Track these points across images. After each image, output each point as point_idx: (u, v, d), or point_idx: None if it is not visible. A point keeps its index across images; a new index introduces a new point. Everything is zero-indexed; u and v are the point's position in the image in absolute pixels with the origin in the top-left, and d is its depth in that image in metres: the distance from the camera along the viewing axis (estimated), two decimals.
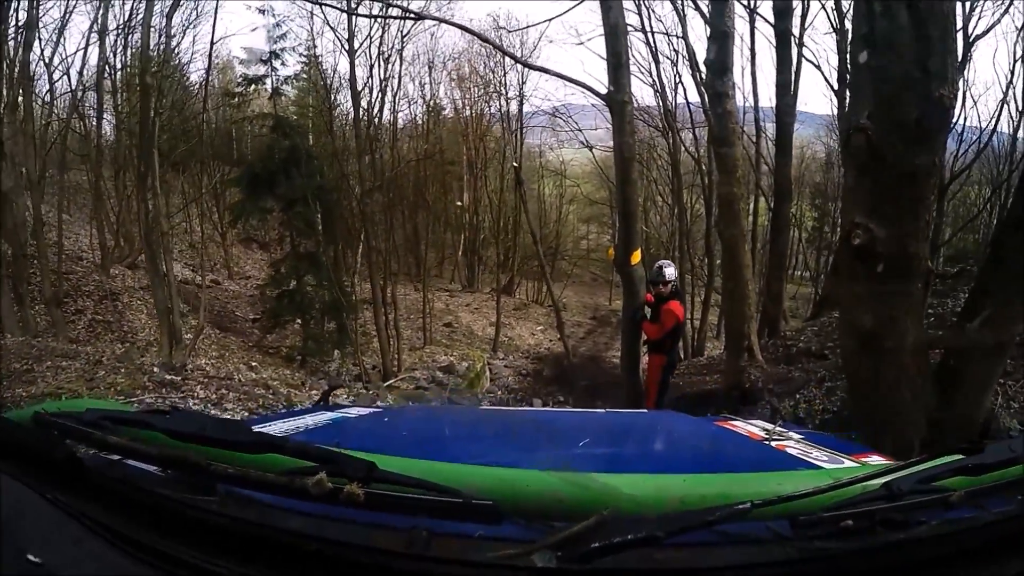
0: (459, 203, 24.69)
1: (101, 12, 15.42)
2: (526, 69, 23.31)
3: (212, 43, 15.04)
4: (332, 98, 18.23)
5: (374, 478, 0.89)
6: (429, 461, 1.04)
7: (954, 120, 13.15)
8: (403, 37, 18.33)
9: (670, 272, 6.51)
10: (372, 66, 17.18)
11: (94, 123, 17.35)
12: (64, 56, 15.30)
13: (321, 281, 14.87)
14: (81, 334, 12.57)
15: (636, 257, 6.62)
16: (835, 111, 15.46)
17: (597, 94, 6.31)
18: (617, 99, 5.99)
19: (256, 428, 1.36)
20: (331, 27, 16.28)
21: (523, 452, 1.59)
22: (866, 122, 3.32)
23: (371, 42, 16.87)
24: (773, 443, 1.67)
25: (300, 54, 17.40)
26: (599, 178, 25.58)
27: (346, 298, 15.00)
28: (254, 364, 13.73)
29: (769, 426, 1.93)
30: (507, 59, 23.50)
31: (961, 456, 1.02)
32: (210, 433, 0.98)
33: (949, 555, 0.90)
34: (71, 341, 11.74)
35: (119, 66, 16.59)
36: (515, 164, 9.42)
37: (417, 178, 22.20)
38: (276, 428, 1.68)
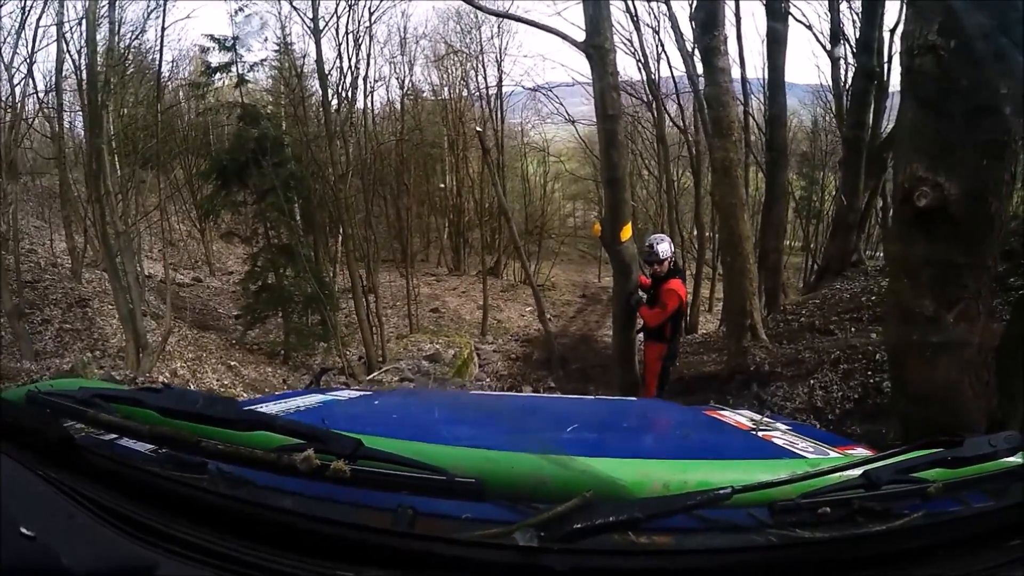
0: (441, 185, 23.57)
1: (56, 6, 14.09)
2: (503, 46, 22.25)
3: (163, 28, 13.82)
4: (302, 83, 17.06)
5: (360, 455, 0.88)
6: (416, 442, 1.04)
7: None
8: (371, 14, 17.03)
9: (664, 248, 5.36)
10: (340, 44, 15.91)
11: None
12: (25, 56, 14.00)
13: (299, 272, 13.90)
14: (48, 345, 11.58)
15: (626, 233, 5.49)
16: (823, 78, 14.59)
17: (574, 43, 5.23)
18: (595, 45, 4.94)
19: (247, 408, 1.17)
20: (294, 7, 15.01)
21: (510, 435, 1.49)
22: (936, 39, 2.35)
23: (337, 19, 15.58)
24: (760, 433, 1.65)
25: (266, 39, 16.33)
26: (583, 154, 24.65)
27: (324, 289, 13.97)
28: (233, 363, 12.92)
29: (756, 416, 1.91)
30: (482, 35, 22.43)
31: (940, 449, 0.99)
32: (201, 411, 0.97)
33: (926, 546, 0.87)
34: (36, 354, 10.86)
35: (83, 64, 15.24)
36: (478, 129, 8.35)
37: (398, 162, 21.02)
38: (267, 409, 1.59)
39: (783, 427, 1.72)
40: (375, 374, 12.37)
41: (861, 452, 1.43)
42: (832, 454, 1.40)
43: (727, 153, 6.83)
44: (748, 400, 6.43)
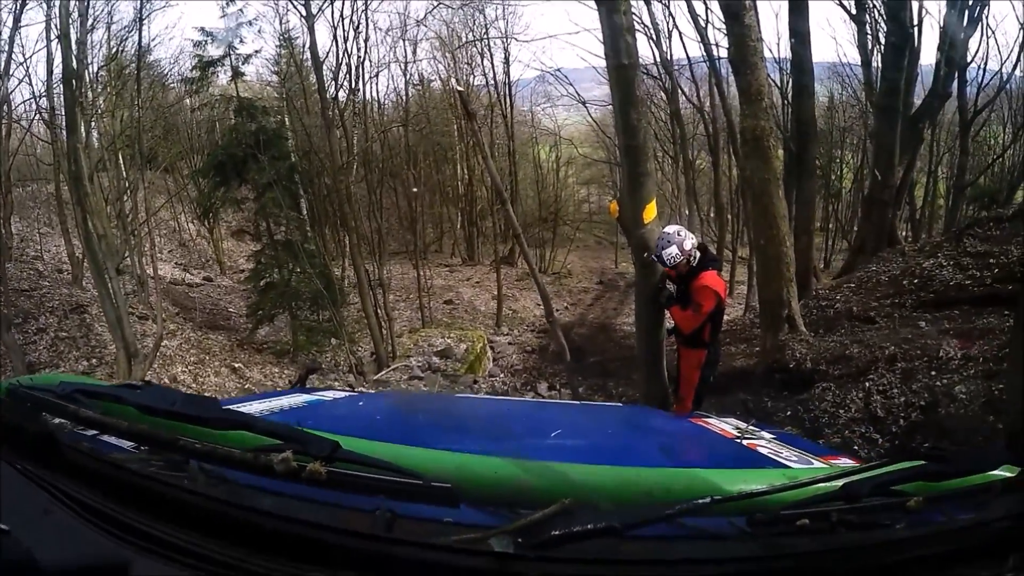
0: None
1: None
2: (508, 27, 21.19)
3: (141, 19, 12.92)
4: (302, 74, 16.15)
5: (337, 458, 0.85)
6: (394, 444, 1.00)
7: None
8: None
9: (671, 253, 3.99)
10: (336, 27, 14.85)
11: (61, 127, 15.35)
12: (21, 60, 13.32)
13: (304, 269, 13.14)
14: (43, 355, 10.94)
15: (651, 211, 4.20)
16: (841, 53, 13.51)
17: None
18: None
19: (229, 407, 1.14)
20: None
21: (492, 440, 1.49)
22: None
23: (331, 4, 14.47)
24: (744, 442, 1.60)
25: (260, 29, 15.48)
26: (596, 137, 23.89)
27: (329, 285, 13.16)
28: (237, 365, 12.27)
29: (742, 424, 1.86)
30: (487, 17, 21.41)
31: (923, 462, 0.95)
32: (180, 409, 0.95)
33: (905, 559, 0.82)
34: (30, 366, 10.19)
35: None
36: (458, 88, 7.33)
37: (406, 151, 20.10)
38: (249, 408, 1.57)
39: (768, 436, 1.67)
40: (382, 373, 11.56)
41: (845, 462, 1.38)
42: (816, 464, 1.36)
43: (758, 121, 5.81)
44: (792, 405, 5.48)
